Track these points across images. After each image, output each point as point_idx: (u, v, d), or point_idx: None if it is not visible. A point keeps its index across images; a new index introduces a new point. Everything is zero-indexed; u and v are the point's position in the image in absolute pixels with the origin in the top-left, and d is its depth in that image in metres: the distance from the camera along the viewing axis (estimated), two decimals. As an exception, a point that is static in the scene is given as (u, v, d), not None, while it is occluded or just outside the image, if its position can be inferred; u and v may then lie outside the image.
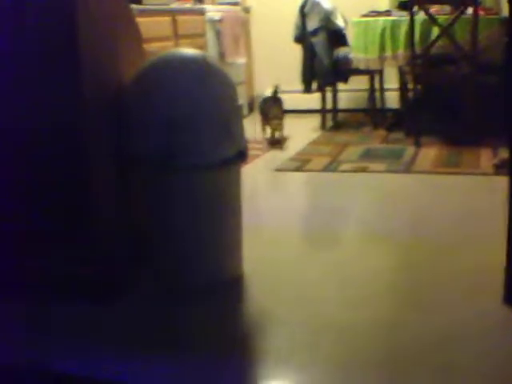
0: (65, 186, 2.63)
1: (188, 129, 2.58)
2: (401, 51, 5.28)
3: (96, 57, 2.61)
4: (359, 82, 6.41)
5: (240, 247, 2.89)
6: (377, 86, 6.27)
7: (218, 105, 2.66)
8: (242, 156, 2.74)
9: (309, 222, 3.72)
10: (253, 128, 6.14)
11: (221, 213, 2.74)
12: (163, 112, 2.59)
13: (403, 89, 5.96)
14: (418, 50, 5.10)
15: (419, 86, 5.42)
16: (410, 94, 5.68)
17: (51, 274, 2.69)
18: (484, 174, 4.34)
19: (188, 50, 2.77)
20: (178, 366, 2.22)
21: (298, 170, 4.77)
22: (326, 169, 4.74)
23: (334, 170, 4.69)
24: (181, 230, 2.70)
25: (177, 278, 2.79)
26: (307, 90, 6.29)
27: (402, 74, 5.82)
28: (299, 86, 6.33)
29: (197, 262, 2.74)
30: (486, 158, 4.74)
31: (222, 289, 2.78)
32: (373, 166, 4.74)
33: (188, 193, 2.65)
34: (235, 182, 2.79)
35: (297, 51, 6.30)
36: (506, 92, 2.83)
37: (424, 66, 5.21)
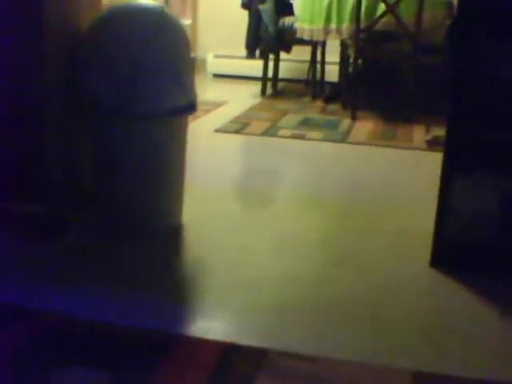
0: (18, 128, 2.65)
1: (139, 77, 2.61)
2: (346, 24, 5.37)
3: (57, 4, 2.63)
4: (302, 53, 6.50)
5: (181, 197, 2.96)
6: (319, 57, 6.37)
7: (171, 55, 2.70)
8: (191, 107, 2.79)
9: (246, 181, 3.80)
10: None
11: (166, 161, 2.79)
12: (114, 60, 2.61)
13: (344, 62, 6.07)
14: (362, 24, 5.20)
15: (360, 61, 5.54)
16: (351, 68, 5.80)
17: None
18: (417, 148, 4.49)
19: (146, 1, 2.80)
20: (117, 300, 2.29)
21: (237, 132, 4.84)
22: (264, 133, 4.82)
23: (273, 135, 4.78)
24: (126, 177, 2.74)
25: (120, 223, 2.85)
26: (250, 55, 6.35)
27: (344, 47, 5.93)
28: (242, 52, 6.40)
29: (139, 208, 2.80)
30: (420, 134, 4.90)
31: (162, 235, 2.85)
32: (310, 134, 4.85)
33: (135, 140, 2.68)
34: (182, 133, 2.85)
35: (242, 17, 6.35)
36: (445, 73, 2.95)
37: (367, 41, 5.32)
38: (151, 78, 2.63)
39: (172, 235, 2.88)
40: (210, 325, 2.19)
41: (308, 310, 2.30)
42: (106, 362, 1.94)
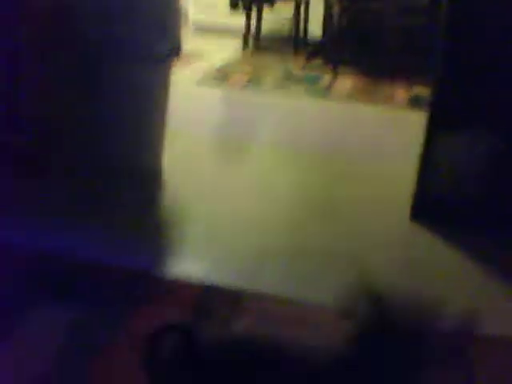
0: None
1: (124, 21, 2.59)
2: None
3: None
4: (284, 9, 6.43)
5: (162, 141, 2.94)
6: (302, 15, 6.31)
7: (158, 1, 2.67)
8: (175, 52, 2.77)
9: (226, 133, 3.79)
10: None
11: (149, 106, 2.77)
12: (100, 2, 2.58)
13: (327, 19, 6.01)
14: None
15: (343, 18, 5.50)
16: (334, 25, 5.75)
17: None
18: (398, 106, 4.49)
19: None
20: (96, 239, 2.30)
21: (218, 85, 4.81)
22: (246, 86, 4.79)
23: (254, 89, 4.75)
24: (108, 119, 2.72)
25: (95, 165, 2.82)
26: (233, 6, 6.27)
27: (328, 4, 5.87)
28: (225, 2, 6.32)
29: (119, 155, 2.78)
30: (401, 92, 4.89)
31: (143, 181, 2.84)
32: (291, 88, 4.82)
33: (119, 84, 2.67)
34: (166, 77, 2.82)
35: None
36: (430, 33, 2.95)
37: (351, 0, 5.29)
38: (136, 21, 2.60)
39: (152, 180, 2.87)
40: (188, 265, 2.20)
41: (285, 256, 2.32)
42: (84, 299, 1.94)
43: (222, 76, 5.07)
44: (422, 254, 2.45)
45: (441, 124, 2.65)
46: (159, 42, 2.66)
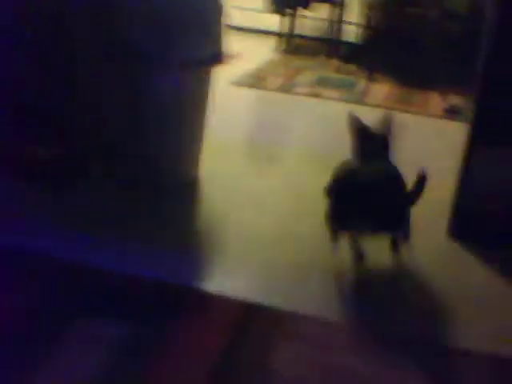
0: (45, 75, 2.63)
1: (167, 26, 2.57)
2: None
3: None
4: (320, 11, 6.41)
5: (199, 151, 2.93)
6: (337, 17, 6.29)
7: (201, 4, 2.66)
8: (218, 58, 2.75)
9: (261, 137, 3.77)
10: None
11: (189, 113, 2.76)
12: (143, 8, 2.56)
13: (366, 23, 5.99)
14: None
15: (382, 23, 5.47)
16: (371, 30, 5.73)
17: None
18: (434, 115, 4.46)
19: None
20: (135, 253, 2.29)
21: (253, 86, 4.80)
22: (280, 89, 4.78)
23: (288, 92, 4.74)
24: (150, 127, 2.72)
25: (141, 173, 2.81)
26: (269, 9, 6.26)
27: (367, 8, 5.84)
28: (259, 4, 6.32)
29: (161, 159, 2.77)
30: (436, 101, 4.85)
31: (179, 189, 2.83)
32: (326, 92, 4.81)
33: (159, 91, 2.65)
34: (206, 84, 2.81)
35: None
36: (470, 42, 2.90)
37: (390, 4, 5.25)
38: (179, 26, 2.58)
39: (189, 188, 2.87)
40: (230, 282, 2.19)
41: (327, 272, 2.30)
42: (126, 315, 1.94)
43: (256, 77, 5.06)
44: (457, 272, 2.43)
45: (480, 137, 2.61)
46: (201, 48, 2.64)
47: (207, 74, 2.78)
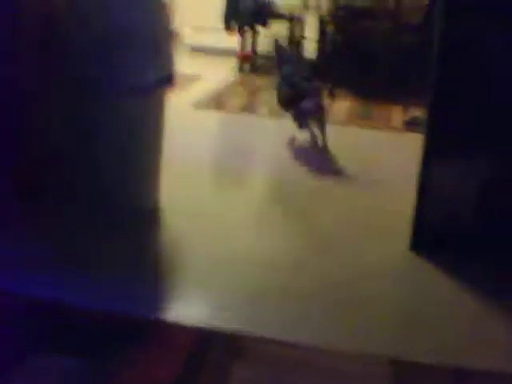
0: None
1: (118, 51, 2.55)
2: (324, 0, 5.33)
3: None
4: (279, 28, 6.42)
5: (158, 175, 2.90)
6: (296, 33, 6.31)
7: (151, 28, 2.64)
8: (169, 80, 2.74)
9: (222, 160, 3.77)
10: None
11: (144, 137, 2.74)
12: (95, 33, 2.54)
13: (322, 39, 6.01)
14: (342, 1, 5.16)
15: (338, 38, 5.49)
16: (328, 45, 5.74)
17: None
18: (395, 129, 4.48)
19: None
20: (91, 283, 2.25)
21: (214, 108, 4.79)
22: (240, 110, 4.78)
23: (249, 112, 4.74)
24: (105, 152, 2.69)
25: (96, 200, 2.77)
26: (227, 27, 6.27)
27: (322, 23, 5.86)
28: (219, 23, 6.32)
29: (117, 184, 2.73)
30: (397, 114, 4.87)
31: (138, 215, 2.80)
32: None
33: (113, 115, 2.63)
34: (160, 107, 2.79)
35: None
36: (426, 53, 2.91)
37: (345, 19, 5.27)
38: (130, 50, 2.56)
39: (148, 214, 2.84)
40: (187, 309, 2.16)
41: (286, 295, 2.28)
42: (79, 347, 1.90)
43: (217, 99, 5.05)
44: (421, 284, 2.43)
45: (436, 151, 2.61)
46: (151, 71, 2.62)
47: (160, 97, 2.76)
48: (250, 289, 2.30)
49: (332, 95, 5.29)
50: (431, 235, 2.69)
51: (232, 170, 3.53)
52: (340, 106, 5.04)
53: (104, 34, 2.53)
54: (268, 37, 6.71)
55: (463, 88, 2.55)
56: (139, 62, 2.60)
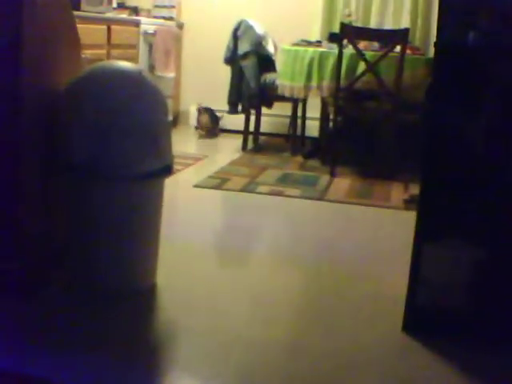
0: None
1: (116, 140, 2.63)
2: (326, 82, 5.44)
3: (36, 60, 2.64)
4: (283, 109, 6.57)
5: (156, 258, 2.96)
6: (299, 113, 6.45)
7: (149, 119, 2.71)
8: (167, 170, 2.82)
9: (223, 239, 3.81)
10: (177, 142, 6.21)
11: (140, 224, 2.80)
12: (92, 121, 2.62)
13: (324, 119, 6.15)
14: (343, 83, 5.27)
15: (340, 118, 5.60)
16: (331, 125, 5.86)
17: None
18: (394, 207, 4.54)
19: (123, 63, 2.82)
20: (84, 368, 2.27)
21: (216, 187, 4.87)
22: (243, 189, 4.85)
23: (252, 191, 4.81)
24: (99, 240, 2.75)
25: (94, 283, 2.83)
26: (232, 110, 6.43)
27: (324, 104, 6.00)
28: (224, 106, 6.48)
29: (114, 269, 2.79)
30: (398, 192, 4.94)
31: (135, 297, 2.84)
32: (288, 190, 4.88)
33: (110, 203, 2.70)
34: (157, 196, 2.86)
35: (225, 71, 6.43)
36: (422, 131, 2.97)
37: (347, 100, 5.39)
38: (128, 140, 2.64)
39: (145, 296, 2.88)
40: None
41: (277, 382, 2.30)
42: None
43: (220, 178, 5.13)
44: (414, 371, 2.44)
45: (428, 232, 2.65)
46: (150, 161, 2.70)
47: (157, 185, 2.84)
48: (238, 373, 2.32)
49: (334, 173, 5.36)
50: (423, 318, 2.71)
51: (228, 248, 3.58)
52: (341, 185, 5.12)
53: (100, 124, 2.62)
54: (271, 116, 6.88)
55: (454, 169, 2.61)
56: (137, 152, 2.67)
